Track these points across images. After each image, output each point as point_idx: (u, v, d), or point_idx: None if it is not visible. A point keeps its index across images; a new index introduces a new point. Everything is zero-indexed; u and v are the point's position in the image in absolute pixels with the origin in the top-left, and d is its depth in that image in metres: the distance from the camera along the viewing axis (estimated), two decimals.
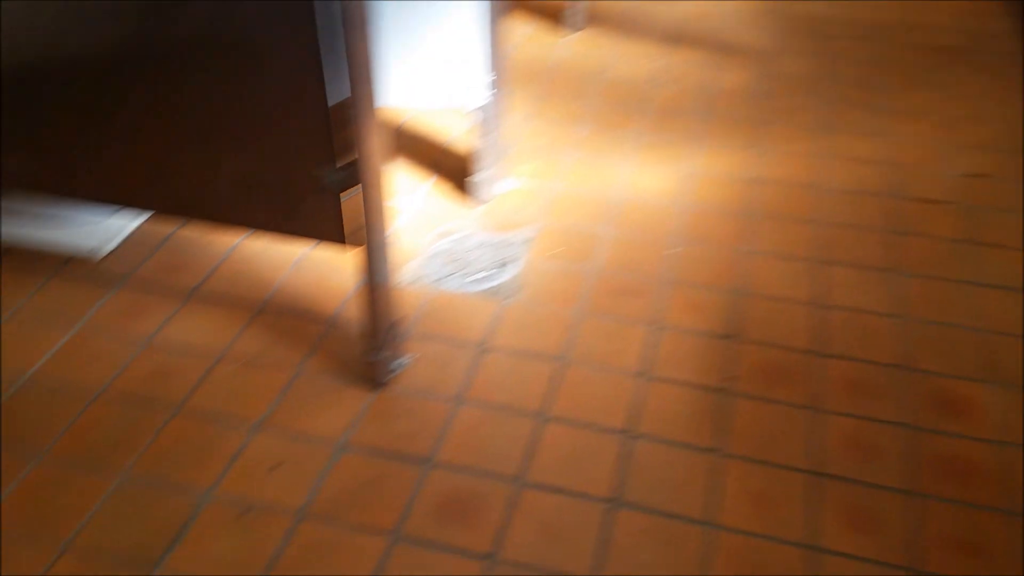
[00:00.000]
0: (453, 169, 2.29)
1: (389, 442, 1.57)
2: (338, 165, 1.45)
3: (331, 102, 1.39)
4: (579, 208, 2.18)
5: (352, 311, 1.85)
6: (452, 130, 2.44)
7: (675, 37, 2.97)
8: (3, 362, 1.71)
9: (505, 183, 2.25)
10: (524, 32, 2.99)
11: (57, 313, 1.83)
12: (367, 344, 1.66)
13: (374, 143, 1.43)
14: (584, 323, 1.84)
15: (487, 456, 1.55)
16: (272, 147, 1.47)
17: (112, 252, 1.99)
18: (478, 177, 2.16)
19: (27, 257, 1.96)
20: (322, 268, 1.96)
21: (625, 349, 1.77)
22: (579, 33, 2.98)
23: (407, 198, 2.19)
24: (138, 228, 2.05)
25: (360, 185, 1.46)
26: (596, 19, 3.06)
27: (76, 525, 1.41)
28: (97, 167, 1.61)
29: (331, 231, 1.53)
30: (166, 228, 2.05)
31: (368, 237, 1.51)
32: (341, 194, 1.48)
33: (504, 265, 2.00)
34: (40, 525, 1.41)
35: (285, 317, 1.84)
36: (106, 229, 2.03)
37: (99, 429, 1.58)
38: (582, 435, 1.59)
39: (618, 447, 1.57)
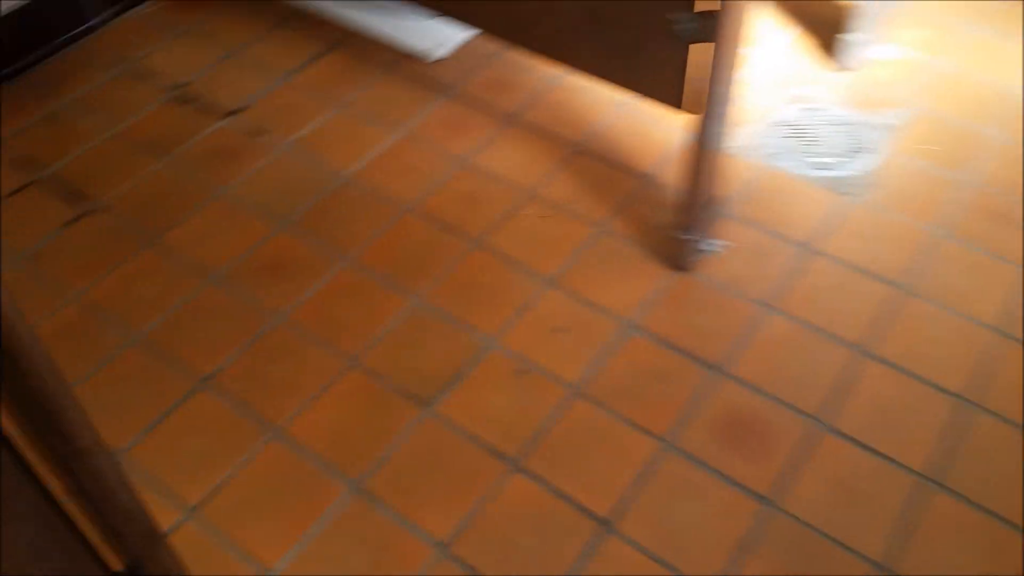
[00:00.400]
0: (821, 22, 1.94)
1: (681, 335, 1.43)
2: (695, 12, 1.22)
3: None
4: (966, 98, 1.77)
5: (669, 173, 1.67)
6: None
7: None
8: (331, 156, 1.76)
9: (881, 50, 1.87)
10: None
11: (384, 113, 1.83)
12: (678, 217, 1.49)
13: None
14: (942, 247, 1.52)
15: (789, 381, 1.36)
16: None
17: (443, 59, 1.93)
18: (850, 37, 1.81)
19: (365, 48, 1.97)
20: (646, 116, 1.78)
21: (989, 293, 1.45)
22: None
23: (758, 49, 1.89)
24: (470, 39, 1.97)
25: (714, 39, 1.23)
26: None
27: (367, 341, 1.45)
28: None
29: (667, 90, 1.35)
30: (496, 45, 1.95)
31: (709, 98, 1.30)
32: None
33: (857, 152, 1.70)
34: (335, 332, 1.47)
35: (598, 164, 1.70)
36: (439, 34, 1.98)
37: (403, 245, 1.59)
38: (909, 386, 1.35)
39: (950, 414, 1.31)
